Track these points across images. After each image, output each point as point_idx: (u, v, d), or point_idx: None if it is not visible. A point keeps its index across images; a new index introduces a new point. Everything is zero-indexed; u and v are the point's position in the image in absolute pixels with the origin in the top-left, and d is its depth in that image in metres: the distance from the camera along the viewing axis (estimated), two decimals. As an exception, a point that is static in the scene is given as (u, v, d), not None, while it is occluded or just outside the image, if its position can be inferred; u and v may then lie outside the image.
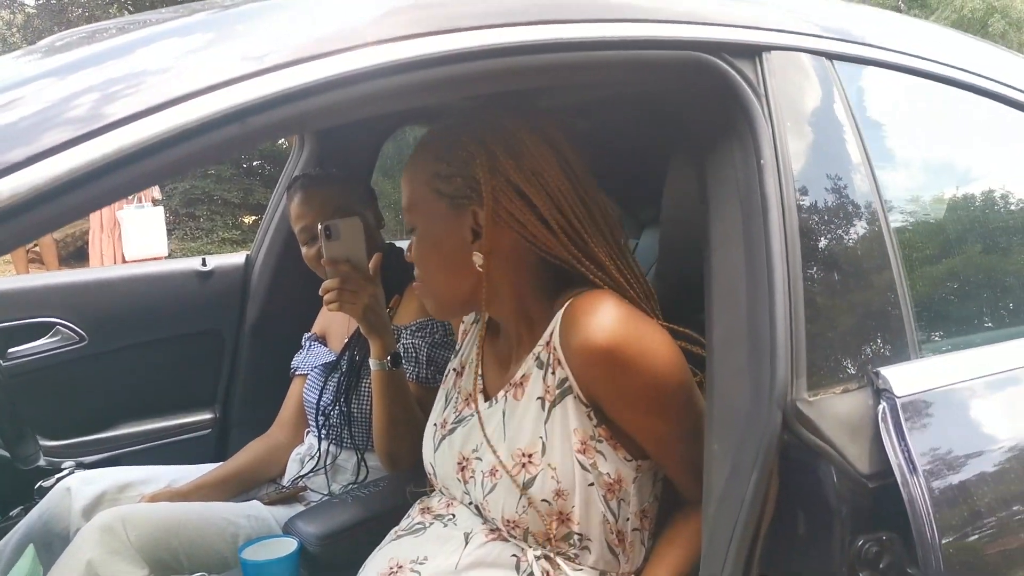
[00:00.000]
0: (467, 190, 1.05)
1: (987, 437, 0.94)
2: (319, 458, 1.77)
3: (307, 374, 1.88)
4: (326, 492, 1.73)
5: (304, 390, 1.87)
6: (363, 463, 1.72)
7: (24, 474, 1.82)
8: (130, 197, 6.28)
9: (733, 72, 0.94)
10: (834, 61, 1.02)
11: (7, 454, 1.78)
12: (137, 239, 6.79)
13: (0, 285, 2.14)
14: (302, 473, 1.79)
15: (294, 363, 1.94)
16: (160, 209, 7.36)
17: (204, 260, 2.22)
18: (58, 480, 1.79)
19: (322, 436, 1.78)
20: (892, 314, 0.94)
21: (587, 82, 1.11)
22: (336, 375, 1.82)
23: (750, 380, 0.87)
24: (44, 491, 1.78)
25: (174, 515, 1.60)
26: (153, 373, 2.13)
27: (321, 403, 1.78)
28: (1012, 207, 1.25)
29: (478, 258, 1.06)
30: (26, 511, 1.76)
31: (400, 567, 1.06)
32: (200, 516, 1.62)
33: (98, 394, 2.08)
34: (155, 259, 6.26)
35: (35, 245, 7.45)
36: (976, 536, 0.88)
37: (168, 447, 2.10)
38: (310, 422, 1.83)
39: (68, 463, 1.92)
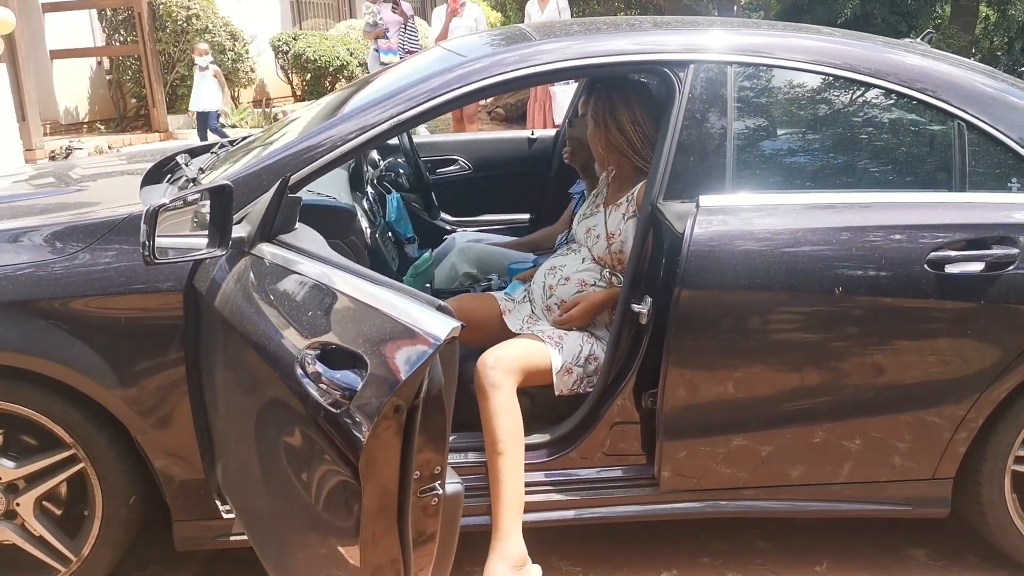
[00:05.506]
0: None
1: (724, 229, 2.25)
2: (566, 238, 3.46)
3: (576, 195, 3.56)
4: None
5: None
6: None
7: (433, 229, 3.80)
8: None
9: (671, 75, 2.35)
10: (726, 65, 2.36)
11: (429, 218, 3.77)
12: (563, 106, 8.87)
13: (436, 138, 4.10)
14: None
15: (571, 190, 3.63)
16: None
17: (532, 132, 3.97)
18: (450, 234, 3.75)
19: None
20: (718, 174, 2.32)
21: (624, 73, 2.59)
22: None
23: (651, 190, 2.34)
24: (444, 240, 3.74)
25: (490, 250, 3.43)
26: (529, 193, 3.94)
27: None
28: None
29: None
30: (434, 247, 3.73)
31: (553, 268, 2.67)
32: (502, 252, 3.42)
33: (473, 197, 3.97)
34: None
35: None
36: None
37: (505, 229, 3.87)
38: (565, 221, 3.53)
39: (454, 228, 3.87)
